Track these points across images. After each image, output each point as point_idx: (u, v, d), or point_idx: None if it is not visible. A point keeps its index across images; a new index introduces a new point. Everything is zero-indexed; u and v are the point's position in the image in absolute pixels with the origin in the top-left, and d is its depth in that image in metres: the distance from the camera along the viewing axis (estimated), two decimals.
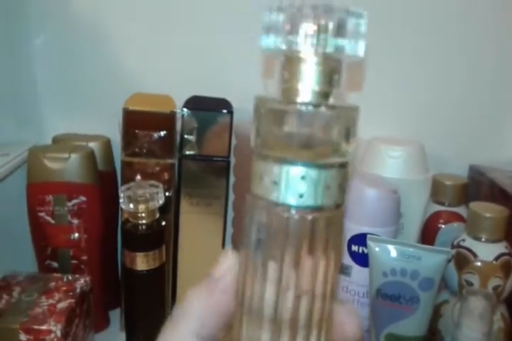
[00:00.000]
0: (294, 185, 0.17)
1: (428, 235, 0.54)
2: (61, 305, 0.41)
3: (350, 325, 0.20)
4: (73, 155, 0.48)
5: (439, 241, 0.52)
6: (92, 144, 0.53)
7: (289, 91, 0.17)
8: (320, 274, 0.18)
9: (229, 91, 0.52)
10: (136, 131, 0.50)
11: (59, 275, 0.47)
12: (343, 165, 0.17)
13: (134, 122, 0.50)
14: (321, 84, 0.17)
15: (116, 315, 0.54)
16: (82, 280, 0.46)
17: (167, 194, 0.50)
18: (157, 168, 0.51)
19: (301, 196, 0.17)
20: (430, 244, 0.52)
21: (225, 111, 0.51)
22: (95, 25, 0.56)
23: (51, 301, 0.42)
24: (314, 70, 0.17)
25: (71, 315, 0.41)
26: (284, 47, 0.17)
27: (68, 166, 0.48)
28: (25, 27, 0.56)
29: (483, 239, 0.43)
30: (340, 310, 0.20)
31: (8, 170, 0.50)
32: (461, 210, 0.53)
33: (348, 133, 0.17)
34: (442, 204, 0.54)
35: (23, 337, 0.38)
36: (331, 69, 0.17)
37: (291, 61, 0.17)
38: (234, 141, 0.52)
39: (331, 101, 0.17)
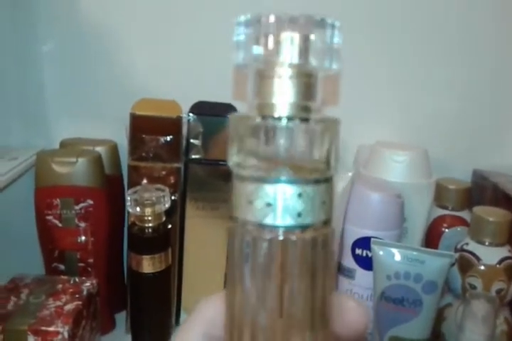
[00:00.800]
0: (291, 204, 0.16)
1: (432, 239, 0.54)
2: (68, 307, 0.42)
3: (352, 312, 0.19)
4: (80, 160, 0.49)
5: (442, 245, 0.53)
6: (99, 148, 0.53)
7: (266, 107, 0.16)
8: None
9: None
10: (143, 136, 0.50)
11: (66, 277, 0.47)
12: (330, 179, 0.17)
13: (141, 127, 0.50)
14: (299, 98, 0.16)
15: (122, 318, 0.54)
16: (88, 283, 0.46)
17: (173, 198, 0.51)
18: (163, 172, 0.52)
19: (299, 215, 0.16)
20: (434, 247, 0.52)
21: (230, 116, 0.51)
22: (102, 32, 0.57)
23: (58, 303, 0.42)
24: (288, 83, 0.16)
25: (78, 317, 0.42)
26: (257, 62, 0.16)
27: (76, 170, 0.49)
28: (33, 33, 0.57)
29: (486, 243, 0.43)
30: (343, 299, 0.19)
31: (16, 174, 0.51)
32: (464, 214, 0.53)
33: (335, 146, 0.16)
34: (446, 208, 0.54)
35: (31, 338, 0.39)
36: (307, 83, 0.16)
37: (263, 75, 0.16)
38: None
39: (309, 113, 0.16)
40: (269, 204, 0.16)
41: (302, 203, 0.16)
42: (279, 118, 0.16)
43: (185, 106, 0.52)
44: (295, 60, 0.16)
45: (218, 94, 0.53)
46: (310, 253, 0.16)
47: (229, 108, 0.52)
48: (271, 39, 0.16)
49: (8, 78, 0.57)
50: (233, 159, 0.17)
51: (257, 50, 0.16)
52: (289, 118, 0.16)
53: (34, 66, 0.58)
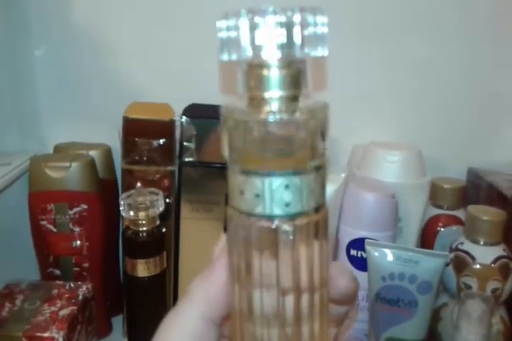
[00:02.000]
0: (278, 195, 0.16)
1: (427, 238, 0.54)
2: (63, 312, 0.42)
3: (341, 278, 0.20)
4: (74, 164, 0.49)
5: (438, 244, 0.53)
6: (92, 153, 0.53)
7: (256, 100, 0.17)
8: (310, 269, 0.18)
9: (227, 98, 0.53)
10: (136, 139, 0.50)
11: (61, 282, 0.47)
12: (322, 167, 0.17)
13: (134, 130, 0.50)
14: (288, 88, 0.16)
15: (118, 322, 0.54)
16: (84, 288, 0.46)
17: (167, 201, 0.51)
18: (157, 175, 0.52)
19: (287, 205, 0.17)
20: (429, 247, 0.52)
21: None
22: (95, 37, 0.57)
23: (53, 308, 0.42)
24: (279, 75, 0.16)
25: (73, 322, 0.42)
26: (245, 55, 0.16)
27: (69, 175, 0.48)
28: (26, 38, 0.57)
29: (481, 242, 0.43)
30: (331, 266, 0.20)
31: (10, 179, 0.51)
32: (459, 213, 0.53)
33: (323, 134, 0.17)
34: (441, 207, 0.54)
35: None
36: (296, 72, 0.17)
37: (254, 68, 0.17)
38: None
39: (301, 103, 0.17)
40: (257, 196, 0.17)
41: (289, 194, 0.16)
42: (271, 112, 0.16)
43: (178, 109, 0.52)
44: (282, 50, 0.16)
45: (211, 96, 0.53)
46: (302, 240, 0.17)
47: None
48: (257, 32, 0.16)
49: (1, 83, 0.57)
50: (225, 152, 0.17)
51: (244, 44, 0.16)
52: (280, 111, 0.16)
53: (27, 70, 0.58)
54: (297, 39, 0.16)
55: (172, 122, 0.51)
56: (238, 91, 0.17)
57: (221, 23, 0.16)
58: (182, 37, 0.56)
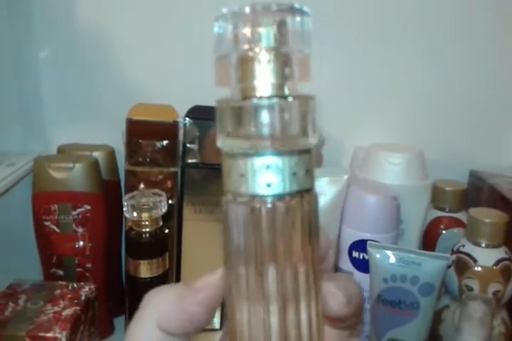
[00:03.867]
0: (260, 175, 0.17)
1: (429, 241, 0.54)
2: (66, 313, 0.42)
3: (333, 301, 0.19)
4: (78, 165, 0.49)
5: (439, 246, 0.53)
6: (96, 154, 0.53)
7: (246, 89, 0.18)
8: (300, 255, 0.18)
9: None
10: (140, 141, 0.50)
11: (64, 283, 0.47)
12: (307, 151, 0.18)
13: (138, 132, 0.50)
14: (274, 78, 0.18)
15: (120, 322, 0.55)
16: (87, 288, 0.46)
17: (170, 202, 0.51)
18: (160, 177, 0.52)
19: (268, 185, 0.17)
20: (431, 249, 0.52)
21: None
22: (99, 38, 0.57)
23: (56, 309, 0.43)
24: (266, 66, 0.18)
25: (76, 323, 0.42)
26: (237, 50, 0.18)
27: (73, 176, 0.49)
28: (30, 40, 0.57)
29: (482, 245, 0.43)
30: (327, 283, 0.19)
31: (14, 179, 0.51)
32: (461, 216, 0.54)
33: (307, 120, 0.18)
34: (443, 209, 0.54)
35: None
36: (282, 64, 0.18)
37: (244, 61, 0.18)
38: None
39: (287, 92, 0.18)
40: (242, 175, 0.18)
41: (271, 174, 0.17)
42: (260, 97, 0.18)
43: (182, 111, 0.52)
44: (271, 44, 0.18)
45: (215, 98, 0.53)
46: (283, 220, 0.18)
47: None
48: (248, 28, 0.18)
49: (6, 84, 0.58)
50: (219, 141, 0.18)
51: (236, 39, 0.18)
52: (269, 97, 0.17)
53: (31, 72, 0.58)
54: (284, 34, 0.18)
55: (175, 124, 0.51)
56: (231, 84, 0.19)
57: (216, 21, 0.18)
58: (187, 39, 0.57)
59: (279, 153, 0.17)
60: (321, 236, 0.19)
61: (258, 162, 0.17)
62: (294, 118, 0.17)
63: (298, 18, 0.18)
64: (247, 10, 0.17)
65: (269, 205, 0.17)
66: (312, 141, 0.18)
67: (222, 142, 0.18)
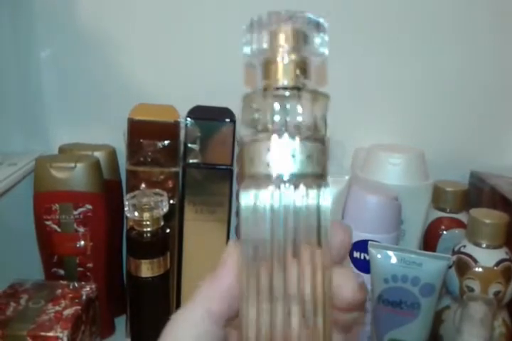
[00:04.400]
0: (283, 159, 0.19)
1: (430, 241, 0.54)
2: (67, 312, 0.42)
3: (346, 288, 0.20)
4: (79, 165, 0.49)
5: (440, 247, 0.53)
6: (97, 154, 0.54)
7: (269, 85, 0.20)
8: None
9: (231, 100, 0.53)
10: (141, 141, 0.50)
11: (65, 282, 0.48)
12: (322, 140, 0.20)
13: (139, 132, 0.51)
14: (294, 78, 0.20)
15: (121, 322, 0.55)
16: (88, 288, 0.47)
17: (171, 202, 0.51)
18: (161, 177, 0.52)
19: (290, 171, 0.19)
20: (432, 250, 0.52)
21: (227, 120, 0.51)
22: (101, 37, 0.57)
23: (58, 308, 0.43)
24: (287, 67, 0.20)
25: (77, 322, 0.42)
26: (262, 54, 0.21)
27: (74, 175, 0.49)
28: (32, 40, 0.57)
29: (483, 245, 0.43)
30: (337, 273, 0.20)
31: (15, 179, 0.51)
32: (462, 216, 0.54)
33: (324, 113, 0.20)
34: (443, 210, 0.54)
35: None
36: (302, 64, 0.20)
37: (269, 62, 0.21)
38: (237, 149, 0.53)
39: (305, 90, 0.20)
40: (264, 161, 0.19)
41: (292, 160, 0.19)
42: (281, 89, 0.20)
43: (183, 111, 0.52)
44: (291, 49, 0.20)
45: (216, 98, 0.53)
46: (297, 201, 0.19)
47: (226, 112, 0.53)
48: (272, 34, 0.20)
49: (7, 84, 0.58)
50: (241, 131, 0.20)
51: (262, 44, 0.21)
52: (289, 89, 0.20)
53: (33, 72, 0.58)
54: (303, 40, 0.20)
55: (177, 124, 0.51)
56: (257, 83, 0.21)
57: (244, 29, 0.21)
58: (188, 39, 0.57)
59: (300, 138, 0.19)
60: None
61: (280, 147, 0.19)
62: (313, 108, 0.20)
63: (316, 26, 0.21)
64: (271, 17, 0.20)
65: (288, 185, 0.19)
66: (327, 132, 0.20)
67: (246, 132, 0.20)
